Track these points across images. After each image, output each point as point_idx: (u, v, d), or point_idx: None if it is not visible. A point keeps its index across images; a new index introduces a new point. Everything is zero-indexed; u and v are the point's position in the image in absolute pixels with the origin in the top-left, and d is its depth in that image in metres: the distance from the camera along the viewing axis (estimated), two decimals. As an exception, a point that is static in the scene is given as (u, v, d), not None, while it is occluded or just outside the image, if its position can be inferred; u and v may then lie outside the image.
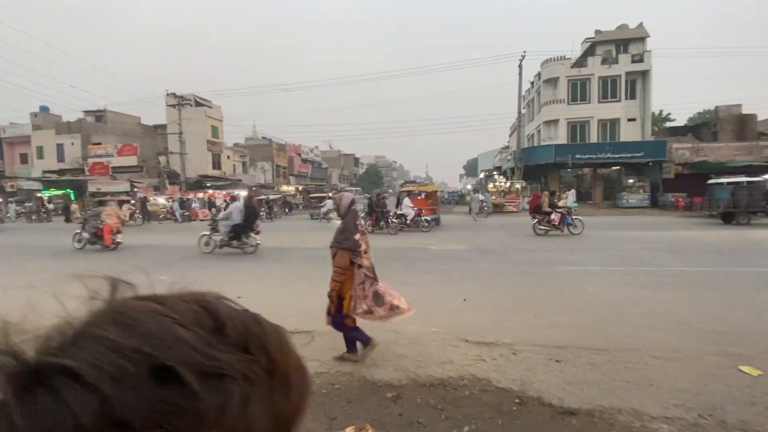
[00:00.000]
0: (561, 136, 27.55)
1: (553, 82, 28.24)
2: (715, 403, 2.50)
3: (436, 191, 19.34)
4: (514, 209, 23.86)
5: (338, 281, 3.04)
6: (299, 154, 47.43)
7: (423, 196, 17.77)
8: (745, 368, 2.94)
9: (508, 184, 25.57)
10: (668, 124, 34.81)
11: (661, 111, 39.20)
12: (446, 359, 3.25)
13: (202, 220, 19.18)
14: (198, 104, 33.07)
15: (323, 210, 20.00)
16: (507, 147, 44.41)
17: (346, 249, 3.07)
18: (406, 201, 15.04)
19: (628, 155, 24.34)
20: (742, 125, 25.82)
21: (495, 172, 36.35)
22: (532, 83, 33.32)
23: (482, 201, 21.39)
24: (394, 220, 14.17)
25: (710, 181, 19.85)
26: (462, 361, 3.22)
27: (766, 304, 4.63)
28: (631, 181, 24.56)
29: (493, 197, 24.58)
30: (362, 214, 12.53)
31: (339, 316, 3.11)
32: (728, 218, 16.92)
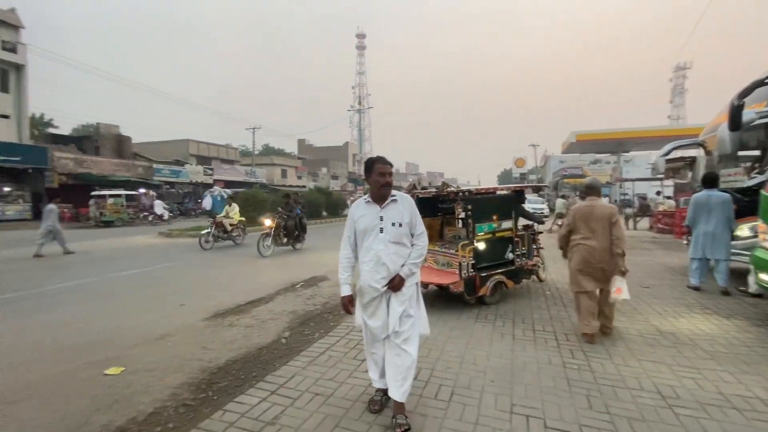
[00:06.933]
0: None
1: None
2: (79, 421, 2.49)
3: None
4: None
5: None
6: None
7: None
8: (110, 371, 3.20)
9: None
10: (51, 131, 32.74)
11: (42, 114, 36.16)
12: None
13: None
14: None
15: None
16: None
17: None
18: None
19: (2, 158, 20.19)
20: (120, 144, 29.34)
21: None
22: None
23: None
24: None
25: (94, 192, 20.84)
26: None
27: (136, 304, 5.44)
28: (7, 189, 20.58)
29: None
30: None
31: None
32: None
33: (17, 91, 23.53)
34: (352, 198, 35.19)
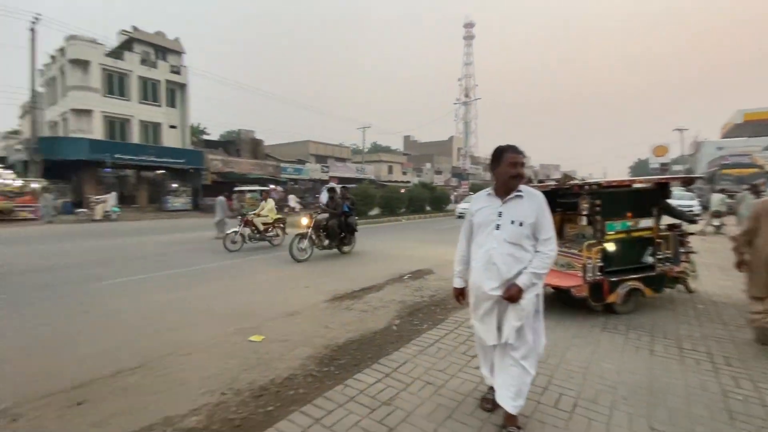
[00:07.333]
0: (96, 130, 24.09)
1: (82, 64, 24.04)
2: (232, 376, 3.00)
3: None
4: (31, 216, 18.23)
5: None
6: None
7: None
8: (253, 338, 3.77)
9: (20, 182, 19.06)
10: (204, 137, 39.58)
11: (199, 124, 43.94)
12: None
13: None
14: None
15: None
16: (17, 132, 32.99)
17: None
18: None
19: (172, 160, 25.34)
20: (255, 146, 34.05)
21: (-6, 165, 25.95)
22: (54, 58, 26.77)
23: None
24: None
25: (236, 188, 24.61)
26: None
27: (268, 283, 6.29)
28: (175, 185, 25.73)
29: (-8, 200, 17.51)
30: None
31: None
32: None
33: (181, 105, 29.14)
34: (455, 193, 34.66)
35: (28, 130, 24.60)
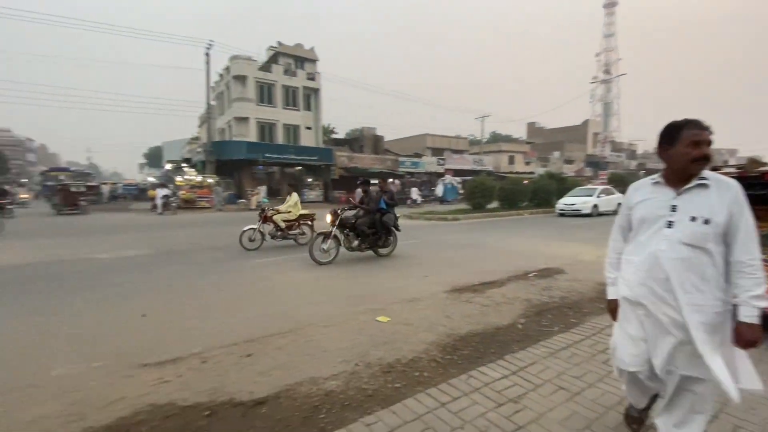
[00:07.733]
0: (252, 134, 28.68)
1: (242, 79, 28.82)
2: (363, 351, 3.29)
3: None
4: (207, 205, 22.83)
5: None
6: None
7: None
8: (380, 318, 4.06)
9: (200, 178, 24.07)
10: (333, 136, 43.47)
11: (329, 124, 48.47)
12: (114, 397, 2.60)
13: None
14: None
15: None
16: (197, 138, 41.62)
17: None
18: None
19: (308, 158, 28.61)
20: (376, 142, 36.01)
21: (184, 164, 33.27)
22: (222, 76, 32.74)
23: (166, 196, 19.29)
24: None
25: (359, 182, 26.38)
26: (138, 391, 2.67)
27: (387, 270, 6.65)
28: (310, 179, 29.02)
29: (183, 192, 22.54)
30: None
31: None
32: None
33: (315, 108, 32.50)
34: (590, 184, 30.76)
35: (205, 137, 30.74)
